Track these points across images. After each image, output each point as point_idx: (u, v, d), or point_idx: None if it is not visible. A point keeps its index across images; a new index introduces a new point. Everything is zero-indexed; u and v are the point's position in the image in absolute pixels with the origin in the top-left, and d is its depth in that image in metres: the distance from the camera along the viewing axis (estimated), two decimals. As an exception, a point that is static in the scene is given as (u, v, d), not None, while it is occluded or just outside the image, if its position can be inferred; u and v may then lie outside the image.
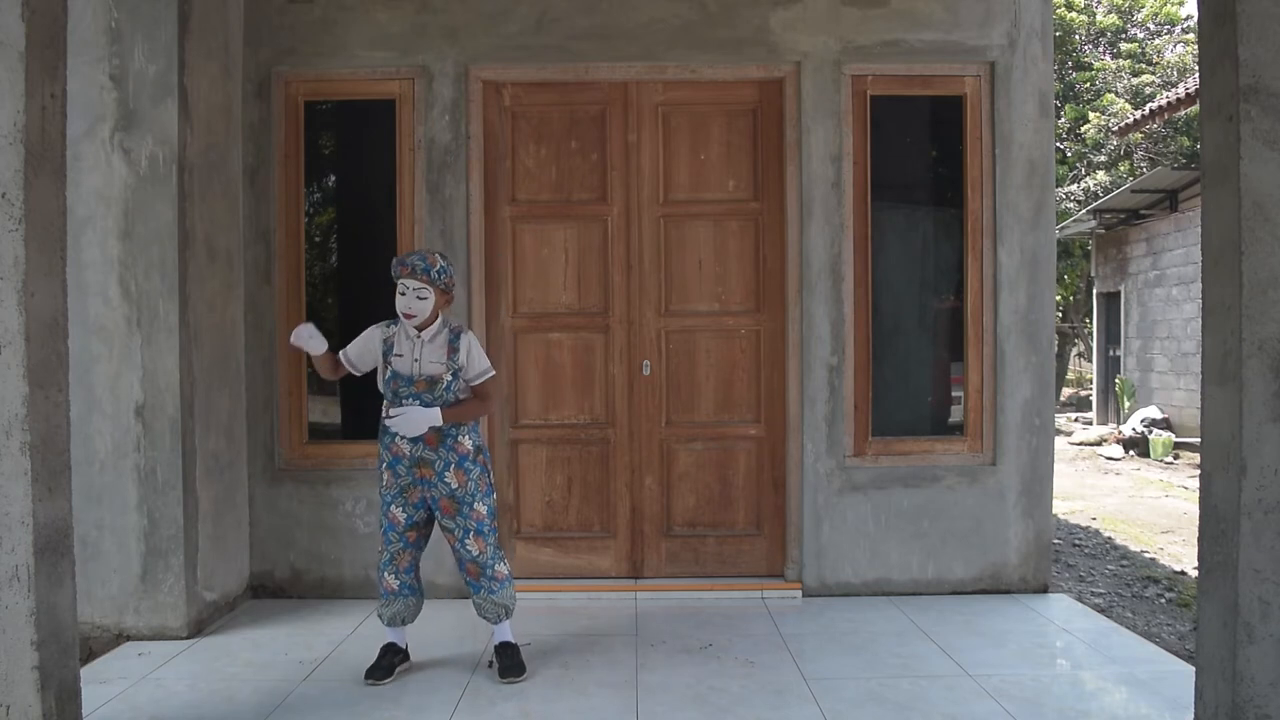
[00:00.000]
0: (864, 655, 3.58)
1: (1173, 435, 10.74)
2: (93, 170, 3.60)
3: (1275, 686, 2.24)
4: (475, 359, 3.16)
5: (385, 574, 3.24)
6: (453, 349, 3.14)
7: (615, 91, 4.20)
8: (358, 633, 3.82)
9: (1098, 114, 15.12)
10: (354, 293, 4.30)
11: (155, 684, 3.28)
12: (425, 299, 3.09)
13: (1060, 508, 7.26)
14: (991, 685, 3.26)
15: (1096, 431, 12.25)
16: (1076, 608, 4.22)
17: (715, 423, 4.25)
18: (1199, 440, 2.47)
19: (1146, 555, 5.89)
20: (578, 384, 4.26)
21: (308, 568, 4.16)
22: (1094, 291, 13.87)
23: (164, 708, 3.07)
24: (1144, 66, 16.08)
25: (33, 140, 2.23)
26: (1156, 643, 3.96)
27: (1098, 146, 15.14)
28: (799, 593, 4.19)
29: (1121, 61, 16.25)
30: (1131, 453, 11.00)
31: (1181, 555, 5.90)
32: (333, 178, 4.32)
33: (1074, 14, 17.04)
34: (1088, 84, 16.13)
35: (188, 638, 3.69)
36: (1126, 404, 12.20)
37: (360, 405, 4.26)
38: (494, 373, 3.24)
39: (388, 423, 3.13)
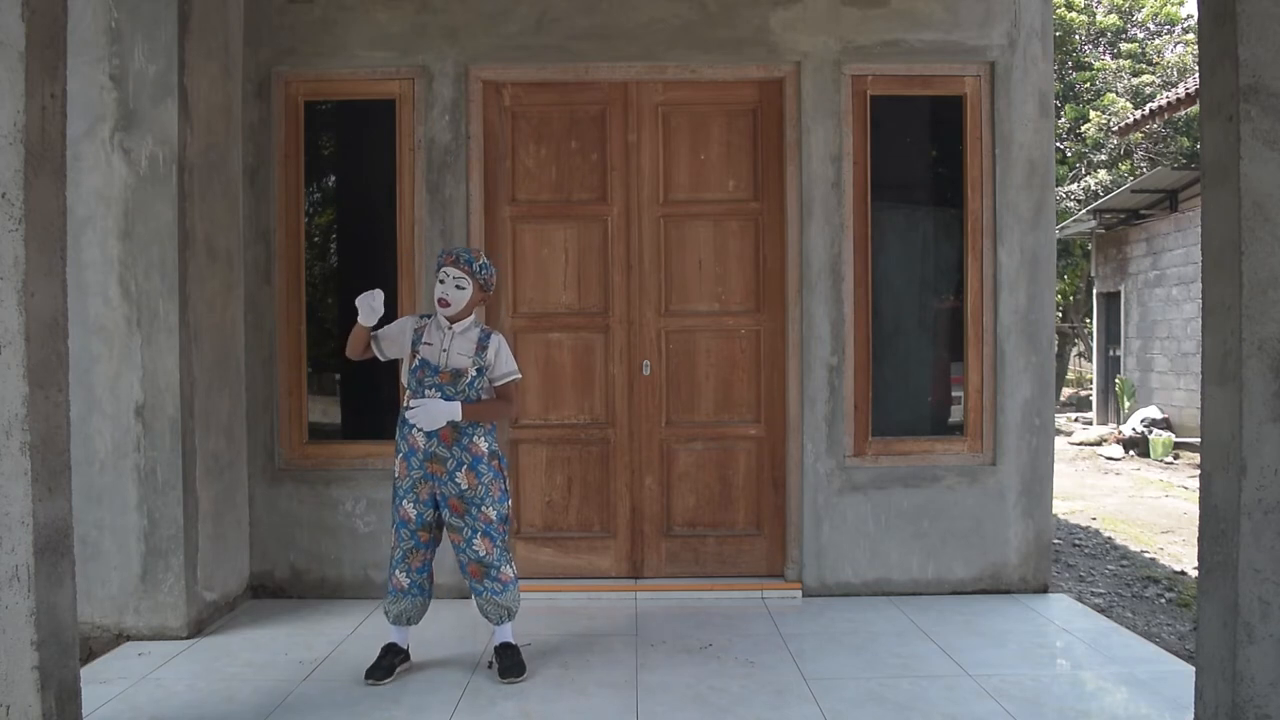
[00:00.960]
0: (864, 655, 3.58)
1: (1173, 435, 10.74)
2: (93, 170, 3.60)
3: (1275, 686, 2.25)
4: (503, 359, 3.21)
5: (396, 571, 3.23)
6: (481, 346, 3.18)
7: (615, 91, 4.21)
8: (358, 633, 3.82)
9: (1098, 114, 15.12)
10: (354, 292, 4.27)
11: (155, 684, 3.28)
12: (463, 289, 3.13)
13: (1060, 508, 7.26)
14: (991, 685, 3.27)
15: (1096, 431, 12.25)
16: (1076, 608, 4.22)
17: (715, 423, 4.25)
18: (1199, 440, 2.47)
19: (1146, 555, 5.90)
20: (578, 384, 4.26)
21: (308, 568, 4.16)
22: (1094, 291, 13.87)
23: (164, 708, 3.07)
24: (1144, 66, 16.08)
25: (33, 140, 2.23)
26: (1156, 643, 3.96)
27: (1098, 146, 15.15)
28: (799, 593, 4.19)
29: (1121, 61, 16.26)
30: (1131, 453, 11.00)
31: (1181, 555, 5.90)
32: (333, 178, 4.33)
33: (1074, 14, 17.06)
34: (1088, 84, 16.14)
35: (188, 638, 3.70)
36: (1126, 404, 12.20)
37: (360, 405, 4.27)
38: (519, 376, 3.27)
39: (406, 413, 3.14)
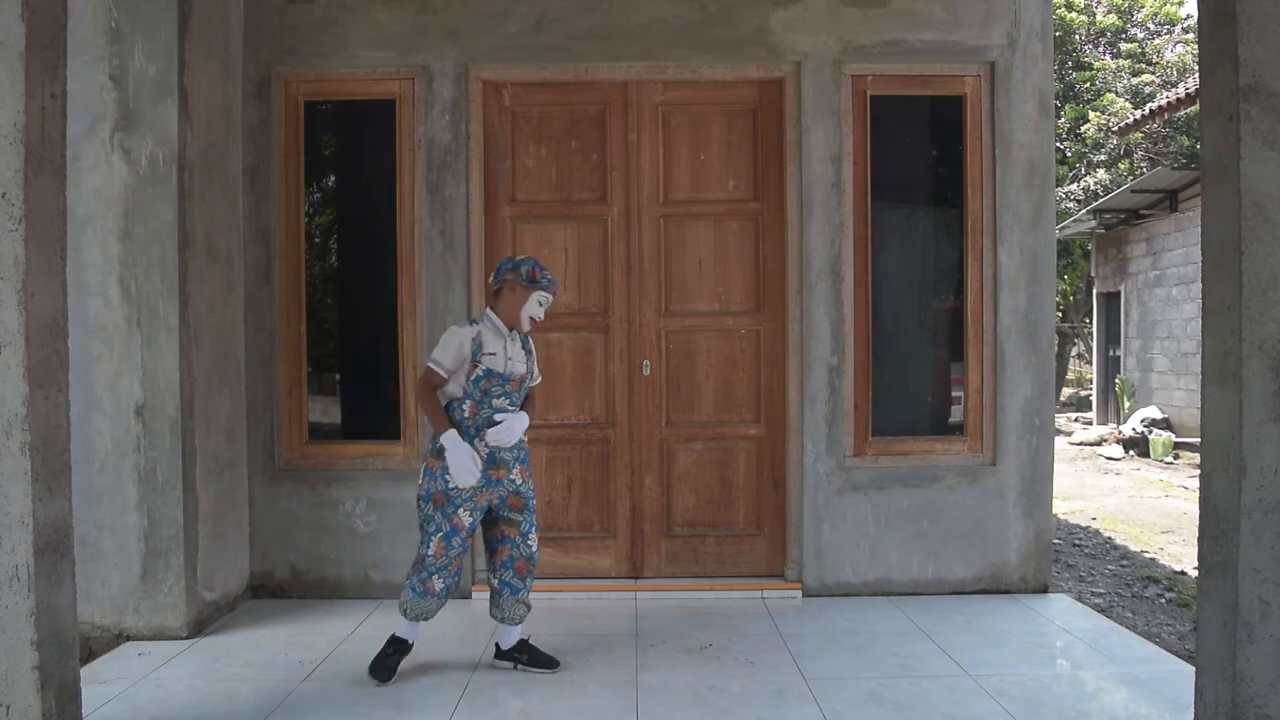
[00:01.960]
0: (864, 655, 3.59)
1: (1173, 435, 10.74)
2: (93, 170, 3.60)
3: (1275, 686, 2.25)
4: (536, 361, 3.36)
5: (433, 576, 3.20)
6: (527, 350, 3.29)
7: (615, 91, 4.21)
8: (358, 633, 3.83)
9: (1098, 114, 15.14)
10: (354, 293, 4.30)
11: (155, 684, 3.28)
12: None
13: (1060, 508, 7.26)
14: (991, 685, 3.27)
15: (1096, 431, 12.25)
16: (1076, 608, 4.22)
17: (715, 423, 4.25)
18: (1199, 440, 2.47)
19: (1146, 555, 5.90)
20: (578, 384, 4.26)
21: (307, 568, 4.17)
22: (1094, 291, 13.88)
23: (164, 708, 3.07)
24: (1144, 66, 16.10)
25: (33, 140, 2.23)
26: (1156, 643, 3.96)
27: (1098, 146, 15.17)
28: (799, 593, 4.19)
29: (1121, 61, 16.27)
30: (1131, 453, 11.00)
31: (1181, 555, 5.90)
32: (333, 178, 4.33)
33: (1074, 14, 17.08)
34: (1088, 84, 16.17)
35: (188, 638, 3.70)
36: (1126, 404, 12.20)
37: (360, 405, 4.27)
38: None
39: (491, 439, 3.17)
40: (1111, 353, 13.54)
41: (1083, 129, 15.37)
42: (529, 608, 3.36)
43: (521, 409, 3.28)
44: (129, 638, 3.70)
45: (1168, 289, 11.66)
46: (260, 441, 4.15)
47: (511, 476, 3.24)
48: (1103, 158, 15.05)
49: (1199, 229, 2.56)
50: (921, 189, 4.27)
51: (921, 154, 4.25)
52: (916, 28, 4.16)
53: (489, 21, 4.13)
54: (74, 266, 3.49)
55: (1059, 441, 11.20)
